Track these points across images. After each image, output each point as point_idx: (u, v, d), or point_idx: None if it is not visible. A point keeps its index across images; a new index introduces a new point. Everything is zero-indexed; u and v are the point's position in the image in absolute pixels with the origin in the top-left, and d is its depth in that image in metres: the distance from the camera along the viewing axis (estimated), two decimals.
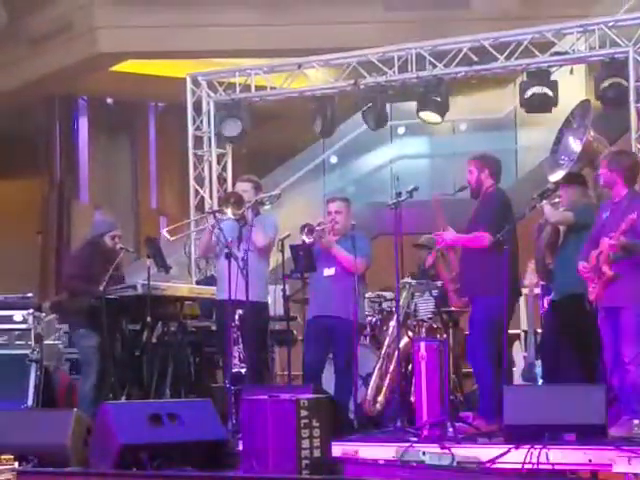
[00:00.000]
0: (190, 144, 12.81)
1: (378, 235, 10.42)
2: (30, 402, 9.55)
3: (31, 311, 10.16)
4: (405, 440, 8.63)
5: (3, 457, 6.99)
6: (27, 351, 9.85)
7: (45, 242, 19.34)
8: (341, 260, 9.62)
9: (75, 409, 8.92)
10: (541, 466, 7.70)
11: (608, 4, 13.71)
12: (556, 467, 7.66)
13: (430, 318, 9.83)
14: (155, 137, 19.92)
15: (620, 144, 11.13)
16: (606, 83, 11.28)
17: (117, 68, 18.03)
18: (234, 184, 11.82)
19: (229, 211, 9.91)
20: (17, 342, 9.92)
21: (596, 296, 8.47)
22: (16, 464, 6.86)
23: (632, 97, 10.87)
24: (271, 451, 7.75)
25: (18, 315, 10.03)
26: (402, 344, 9.61)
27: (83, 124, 20.25)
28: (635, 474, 7.44)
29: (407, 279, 10.00)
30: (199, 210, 12.59)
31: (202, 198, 12.71)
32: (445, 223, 9.28)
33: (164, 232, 11.42)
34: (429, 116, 12.29)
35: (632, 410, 8.34)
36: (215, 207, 11.65)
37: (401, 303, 9.74)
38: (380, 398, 9.76)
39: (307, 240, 9.88)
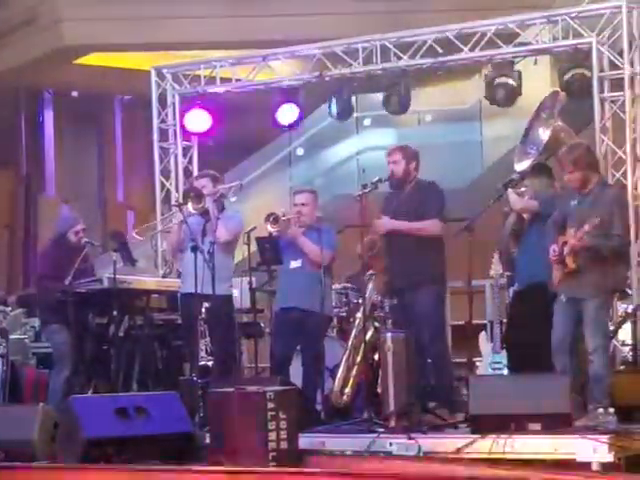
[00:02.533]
0: (155, 137, 12.81)
1: (345, 227, 10.40)
2: None
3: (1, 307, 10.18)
4: (372, 431, 8.73)
5: None
6: None
7: (12, 236, 19.31)
8: (307, 252, 9.65)
9: (42, 404, 8.88)
10: (507, 455, 7.82)
11: None
12: (522, 456, 7.82)
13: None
14: (121, 130, 19.89)
15: (585, 134, 11.20)
16: (570, 74, 11.32)
17: (82, 61, 17.97)
18: (198, 178, 11.86)
19: (190, 206, 9.96)
20: None
21: (558, 283, 8.62)
22: None
23: (596, 88, 10.93)
24: (238, 444, 7.81)
25: None
26: (368, 335, 9.66)
27: (49, 117, 20.21)
28: (600, 462, 7.53)
29: (373, 270, 10.01)
30: (165, 203, 12.59)
31: (168, 191, 12.72)
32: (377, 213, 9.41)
33: (134, 234, 11.47)
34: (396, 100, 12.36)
35: (595, 399, 8.48)
36: (180, 200, 11.65)
37: (367, 294, 9.81)
38: (347, 390, 9.80)
39: (272, 229, 9.94)
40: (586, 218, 8.36)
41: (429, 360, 9.63)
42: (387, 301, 9.67)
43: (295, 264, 9.74)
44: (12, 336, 10.09)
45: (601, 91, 10.96)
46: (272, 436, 7.74)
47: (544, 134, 10.67)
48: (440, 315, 9.64)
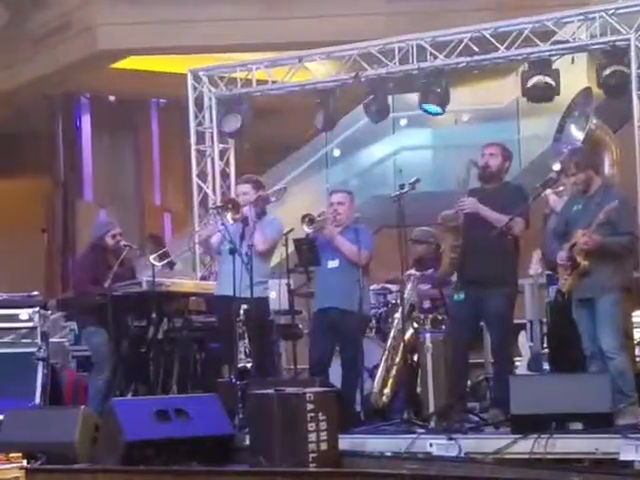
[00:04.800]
0: (192, 140, 12.83)
1: (382, 228, 10.37)
2: (38, 400, 9.58)
3: (37, 309, 10.20)
4: (412, 432, 8.72)
5: (12, 455, 7.05)
6: (33, 349, 9.89)
7: (50, 240, 19.31)
8: (344, 251, 9.61)
9: (83, 406, 8.93)
10: (548, 455, 7.78)
11: None
12: (564, 456, 7.76)
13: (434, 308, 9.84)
14: (158, 133, 19.93)
15: (624, 131, 11.14)
16: (608, 71, 11.27)
17: (118, 65, 18.04)
18: (237, 179, 11.85)
19: (228, 216, 9.98)
20: (23, 340, 9.96)
21: (569, 287, 8.61)
22: (24, 462, 6.91)
23: (634, 85, 10.87)
24: (278, 445, 7.80)
25: (24, 314, 10.08)
26: (407, 336, 9.63)
27: (86, 122, 20.27)
28: None
29: (411, 271, 9.99)
30: (202, 206, 12.60)
31: (205, 194, 12.72)
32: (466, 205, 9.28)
33: (171, 238, 11.51)
34: (431, 107, 12.32)
35: (625, 395, 8.45)
36: (218, 204, 11.64)
37: (406, 295, 9.78)
38: (386, 390, 9.74)
39: (308, 230, 9.93)
40: (593, 219, 8.40)
41: (491, 361, 9.63)
42: (428, 299, 9.66)
43: (332, 264, 9.69)
44: (52, 339, 10.12)
45: (639, 88, 10.89)
46: (312, 437, 7.73)
47: (577, 132, 10.63)
48: (510, 318, 9.47)
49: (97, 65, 18.11)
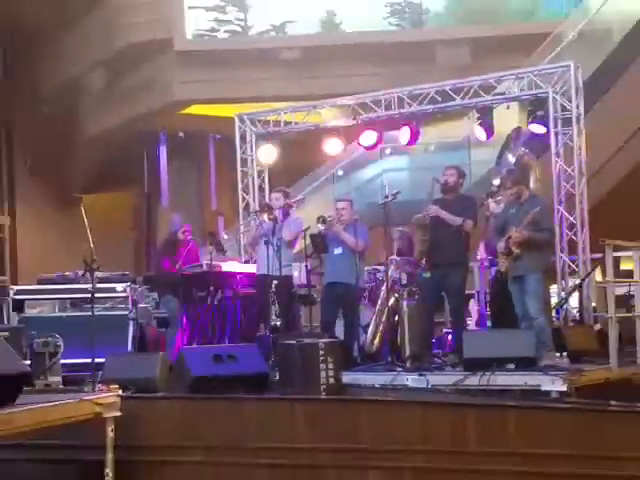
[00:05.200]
0: (238, 164, 12.77)
1: (373, 226, 10.45)
2: (129, 348, 9.62)
3: (129, 284, 10.24)
4: (394, 370, 8.84)
5: (111, 387, 7.09)
6: (126, 312, 9.93)
7: (137, 235, 19.41)
8: (346, 242, 9.70)
9: (161, 353, 9.02)
10: (490, 387, 7.83)
11: (535, 58, 13.62)
12: (501, 387, 7.81)
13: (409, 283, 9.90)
14: (214, 159, 19.92)
15: (544, 158, 11.14)
16: (533, 115, 11.30)
17: (186, 111, 18.09)
18: (270, 192, 11.90)
19: (264, 216, 10.07)
20: (119, 306, 10.00)
21: (506, 268, 8.86)
22: (120, 391, 6.95)
23: (551, 125, 10.84)
24: (298, 380, 7.84)
25: (120, 287, 10.10)
26: (390, 303, 9.69)
27: (163, 152, 20.32)
28: (557, 391, 7.52)
29: (393, 257, 10.09)
30: (246, 210, 12.59)
31: (248, 202, 12.70)
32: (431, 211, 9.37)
33: (224, 233, 11.50)
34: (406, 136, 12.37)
35: (544, 344, 8.55)
36: (257, 209, 11.69)
37: (389, 274, 9.83)
38: (376, 341, 9.95)
39: (321, 227, 10.00)
40: (523, 220, 8.65)
41: (450, 319, 9.81)
42: (405, 277, 9.71)
43: (337, 251, 9.79)
44: (139, 305, 10.16)
45: (555, 127, 10.85)
46: (323, 374, 7.76)
47: (512, 159, 10.72)
48: (463, 290, 9.69)
49: (172, 111, 18.14)
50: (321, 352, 7.87)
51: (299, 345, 8.22)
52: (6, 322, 9.17)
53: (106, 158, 19.57)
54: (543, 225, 8.89)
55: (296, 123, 13.40)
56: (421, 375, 8.44)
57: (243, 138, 12.84)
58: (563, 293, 10.37)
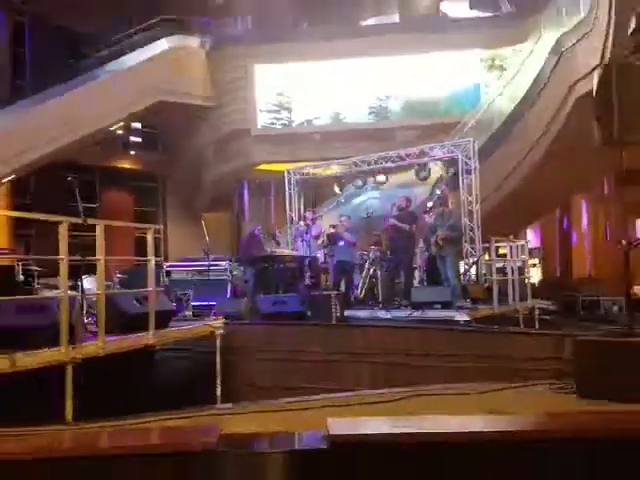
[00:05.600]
0: (287, 199, 12.76)
1: (360, 230, 10.42)
2: (228, 296, 9.66)
3: (227, 261, 10.28)
4: (372, 309, 8.82)
5: (219, 317, 7.13)
6: (226, 277, 9.97)
7: (231, 234, 19.39)
8: (346, 239, 9.69)
9: (244, 299, 8.99)
10: (425, 317, 7.80)
11: (451, 136, 13.45)
12: (430, 319, 7.74)
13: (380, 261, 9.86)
14: (273, 193, 19.47)
15: (456, 193, 11.06)
16: (452, 169, 11.22)
17: (258, 167, 18.01)
18: (305, 211, 11.88)
19: (301, 223, 10.15)
20: (222, 274, 10.04)
21: (435, 252, 8.96)
22: (223, 319, 6.98)
23: (460, 173, 10.78)
24: (320, 314, 7.86)
25: (223, 263, 10.16)
26: (370, 272, 9.67)
27: (245, 191, 20.07)
28: (464, 320, 7.47)
29: (372, 247, 9.99)
30: (291, 222, 12.52)
31: (292, 217, 12.56)
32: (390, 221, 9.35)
33: (278, 233, 11.52)
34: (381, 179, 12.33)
35: (455, 296, 8.58)
36: (297, 220, 11.66)
37: (370, 255, 9.81)
38: (362, 293, 9.84)
39: (332, 230, 10.00)
40: (445, 225, 8.79)
41: (403, 280, 9.58)
42: (382, 255, 9.65)
43: (341, 243, 9.76)
44: (233, 273, 10.16)
45: (462, 174, 10.78)
46: (334, 311, 7.78)
47: (438, 192, 10.68)
48: (412, 265, 9.66)
49: (250, 168, 18.10)
50: (333, 298, 7.91)
51: (320, 295, 8.30)
52: (162, 282, 9.26)
53: (215, 193, 19.56)
54: (456, 228, 8.89)
55: (314, 174, 13.41)
56: (387, 311, 8.45)
57: (289, 182, 12.83)
58: (467, 266, 10.32)
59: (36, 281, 7.51)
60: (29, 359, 4.28)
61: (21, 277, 7.28)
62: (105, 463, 2.73)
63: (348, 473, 2.75)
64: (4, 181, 15.67)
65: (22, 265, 7.48)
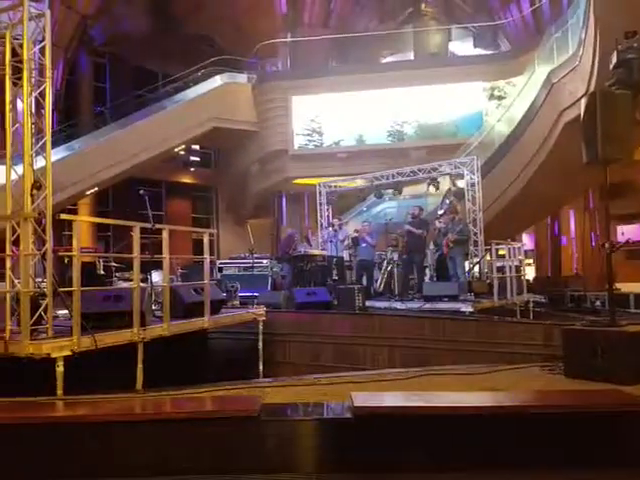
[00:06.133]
0: (318, 207, 12.66)
1: (380, 234, 10.26)
2: (269, 289, 9.63)
3: (268, 260, 10.26)
4: (389, 300, 8.67)
5: (261, 306, 7.13)
6: (267, 272, 9.96)
7: (273, 237, 19.42)
8: (367, 240, 9.54)
9: (283, 291, 8.87)
10: (436, 308, 7.65)
11: (457, 155, 13.21)
12: (438, 309, 7.57)
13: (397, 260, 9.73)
14: (307, 203, 19.41)
15: (462, 202, 10.88)
16: (458, 182, 11.04)
17: (294, 182, 17.95)
18: (333, 217, 11.81)
19: (330, 229, 10.07)
20: (264, 270, 10.03)
21: (446, 252, 8.74)
22: (264, 308, 6.98)
23: (465, 186, 10.61)
24: (344, 304, 7.73)
25: (265, 261, 10.14)
26: (388, 269, 9.56)
27: (284, 201, 20.02)
28: (469, 311, 7.35)
29: (390, 248, 9.86)
30: (321, 227, 12.44)
31: (321, 222, 12.55)
32: (405, 227, 9.13)
33: (311, 236, 11.48)
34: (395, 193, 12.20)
35: (463, 290, 8.40)
36: (327, 225, 11.59)
37: (388, 255, 9.70)
38: (381, 286, 9.68)
39: (355, 234, 9.91)
40: (455, 230, 8.57)
41: (416, 276, 9.33)
42: (397, 255, 9.51)
43: (363, 244, 9.61)
44: (273, 269, 10.14)
45: (467, 187, 10.55)
46: (357, 301, 7.70)
47: (447, 202, 10.50)
48: (423, 263, 9.33)
49: (288, 182, 18.09)
50: (356, 291, 7.83)
51: (345, 288, 8.19)
52: (215, 276, 9.30)
53: (258, 202, 19.64)
54: (464, 233, 8.72)
55: (341, 186, 13.34)
56: (402, 302, 8.31)
57: (320, 194, 12.79)
58: (471, 265, 10.14)
59: (114, 275, 7.62)
60: (108, 338, 4.38)
61: (102, 271, 7.39)
62: (166, 426, 2.77)
63: (368, 438, 2.75)
64: (88, 192, 16.01)
65: (102, 261, 7.61)
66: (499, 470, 2.70)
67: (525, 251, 11.87)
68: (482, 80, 16.17)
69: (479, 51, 19.49)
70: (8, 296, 4.34)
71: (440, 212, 10.19)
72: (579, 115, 4.01)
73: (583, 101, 3.92)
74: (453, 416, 2.77)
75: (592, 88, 8.95)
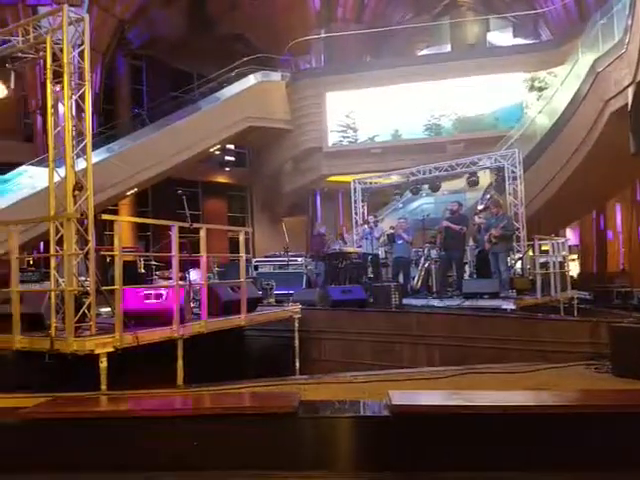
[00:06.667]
0: (352, 205, 12.65)
1: (417, 230, 10.12)
2: (303, 287, 9.66)
3: (303, 258, 10.30)
4: (427, 298, 8.56)
5: (296, 304, 7.17)
6: (302, 270, 9.99)
7: (307, 235, 19.47)
8: (403, 237, 9.39)
9: (317, 288, 8.88)
10: (475, 306, 7.53)
11: (497, 148, 12.94)
12: (480, 306, 7.45)
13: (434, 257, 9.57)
14: (341, 200, 19.46)
15: (503, 195, 10.62)
16: (495, 176, 10.82)
17: (329, 179, 17.94)
18: (367, 214, 11.73)
19: (365, 226, 9.99)
20: (299, 267, 10.07)
21: (489, 248, 8.42)
22: (299, 306, 7.02)
23: (506, 180, 10.39)
24: (381, 302, 7.73)
25: (299, 259, 10.19)
26: (425, 266, 9.42)
27: (318, 198, 19.92)
28: (511, 309, 7.19)
29: (427, 244, 9.72)
30: (356, 224, 12.40)
31: (356, 220, 12.48)
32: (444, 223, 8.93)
33: (344, 234, 11.42)
34: (432, 189, 12.03)
35: (505, 287, 8.18)
36: (362, 222, 11.53)
37: (425, 252, 9.56)
38: (419, 283, 9.48)
39: (391, 231, 9.82)
40: (498, 225, 8.26)
41: (455, 274, 9.05)
42: (435, 252, 9.34)
43: (399, 241, 9.44)
44: (308, 267, 10.16)
45: (508, 181, 10.34)
46: (393, 299, 7.66)
47: (488, 195, 10.28)
48: (463, 260, 9.06)
49: (322, 179, 18.10)
50: (392, 289, 7.78)
51: (382, 285, 8.14)
52: (251, 274, 9.41)
53: (293, 201, 19.73)
54: (508, 228, 8.52)
55: (376, 183, 13.24)
56: (441, 300, 8.21)
57: (355, 190, 12.73)
58: (512, 261, 9.90)
59: (154, 273, 7.79)
60: (149, 336, 4.50)
61: (142, 270, 7.58)
62: (206, 421, 2.82)
63: (406, 438, 2.72)
64: (128, 193, 16.45)
65: (143, 260, 7.80)
66: (541, 471, 2.63)
67: (569, 246, 11.52)
68: (522, 71, 15.75)
69: (519, 41, 19.01)
70: (53, 294, 4.50)
71: (480, 207, 9.97)
72: (626, 104, 3.87)
73: (630, 90, 3.78)
74: (495, 416, 2.71)
75: (639, 76, 8.58)
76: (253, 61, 17.58)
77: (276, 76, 17.70)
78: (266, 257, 10.73)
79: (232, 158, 20.67)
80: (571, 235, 18.26)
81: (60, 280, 4.62)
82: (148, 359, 4.52)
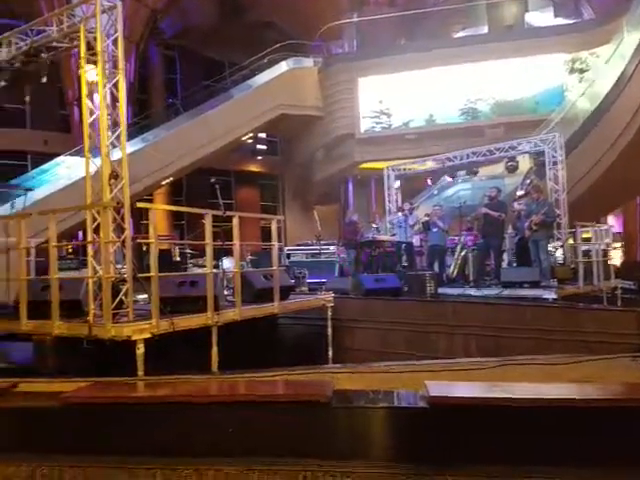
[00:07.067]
0: (386, 191, 12.54)
1: (454, 217, 9.94)
2: (336, 275, 9.64)
3: (335, 246, 10.27)
4: (463, 287, 8.44)
5: (329, 292, 7.12)
6: (335, 259, 9.98)
7: (340, 223, 19.42)
8: (439, 225, 9.23)
9: (350, 276, 8.77)
10: (513, 295, 7.34)
11: (538, 131, 12.57)
12: (521, 296, 7.27)
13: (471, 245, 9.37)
14: (374, 187, 19.39)
15: (544, 180, 10.32)
16: (535, 161, 10.52)
17: (361, 166, 17.88)
18: (402, 202, 11.57)
19: (400, 213, 9.89)
20: (332, 256, 10.06)
21: (529, 236, 8.19)
22: (332, 294, 6.95)
23: (547, 164, 10.08)
24: (416, 290, 7.62)
25: (332, 247, 10.18)
26: (462, 254, 9.26)
27: (350, 185, 19.94)
28: (552, 298, 7.00)
29: (464, 232, 9.52)
30: (389, 211, 12.26)
31: (390, 208, 12.36)
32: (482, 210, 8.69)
33: (376, 220, 11.32)
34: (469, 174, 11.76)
35: (545, 276, 7.96)
36: (396, 210, 11.39)
37: (461, 239, 9.39)
38: (455, 272, 9.36)
39: (426, 218, 9.68)
40: (539, 211, 8.02)
41: (493, 262, 8.88)
42: (470, 239, 9.15)
43: (434, 229, 9.30)
44: (340, 255, 10.13)
45: (549, 165, 10.04)
46: (428, 288, 7.56)
47: (528, 181, 9.99)
48: (501, 247, 8.85)
49: (354, 166, 18.02)
50: (427, 278, 7.67)
51: (416, 274, 8.04)
52: (284, 263, 9.43)
53: (325, 188, 19.71)
54: (550, 215, 8.27)
55: (411, 169, 13.06)
56: (478, 289, 8.06)
57: (388, 177, 12.60)
58: (553, 249, 9.63)
59: (188, 261, 7.90)
60: (184, 322, 4.55)
61: (177, 258, 7.69)
62: (240, 408, 2.83)
63: (443, 430, 2.66)
64: (164, 183, 16.73)
65: (178, 248, 7.92)
66: (584, 466, 2.53)
67: (612, 234, 11.11)
68: (563, 52, 15.22)
69: (560, 21, 18.30)
70: (91, 282, 4.61)
71: (519, 193, 9.71)
72: None
73: None
74: (537, 409, 2.62)
75: None
76: (284, 48, 17.52)
77: (308, 62, 17.60)
78: (298, 245, 10.74)
79: (264, 147, 20.75)
80: (614, 222, 17.62)
81: (98, 267, 4.72)
82: (183, 345, 4.58)
